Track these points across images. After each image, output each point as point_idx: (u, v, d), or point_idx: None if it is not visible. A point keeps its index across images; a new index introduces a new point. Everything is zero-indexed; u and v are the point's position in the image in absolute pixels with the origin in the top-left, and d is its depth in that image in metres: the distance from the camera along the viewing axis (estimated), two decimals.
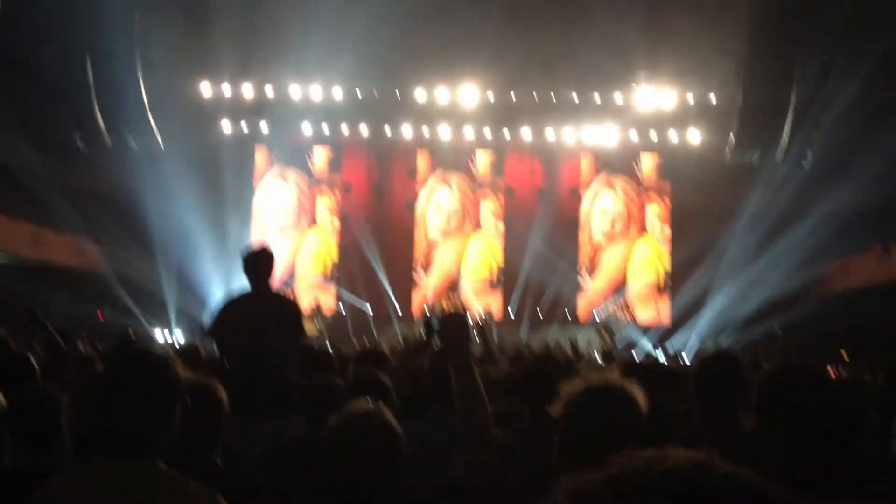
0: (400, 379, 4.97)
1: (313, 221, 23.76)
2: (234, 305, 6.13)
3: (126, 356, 2.74)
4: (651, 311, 22.83)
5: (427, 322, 3.20)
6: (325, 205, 23.82)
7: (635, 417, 2.55)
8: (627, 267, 23.22)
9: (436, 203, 23.73)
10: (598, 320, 20.71)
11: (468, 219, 23.63)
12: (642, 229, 23.38)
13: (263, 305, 6.01)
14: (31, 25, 18.53)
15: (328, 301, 22.72)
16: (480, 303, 22.41)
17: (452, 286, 22.73)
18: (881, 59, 17.66)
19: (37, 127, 18.01)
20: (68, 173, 18.52)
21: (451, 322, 3.09)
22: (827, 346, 14.47)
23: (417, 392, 4.65)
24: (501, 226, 23.47)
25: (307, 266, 23.60)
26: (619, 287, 23.06)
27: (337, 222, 23.68)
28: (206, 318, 6.22)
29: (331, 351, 11.28)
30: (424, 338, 3.44)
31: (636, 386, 2.61)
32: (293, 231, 23.72)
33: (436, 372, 4.00)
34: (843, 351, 14.40)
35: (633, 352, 18.05)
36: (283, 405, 4.71)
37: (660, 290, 22.95)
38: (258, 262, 6.10)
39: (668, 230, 23.15)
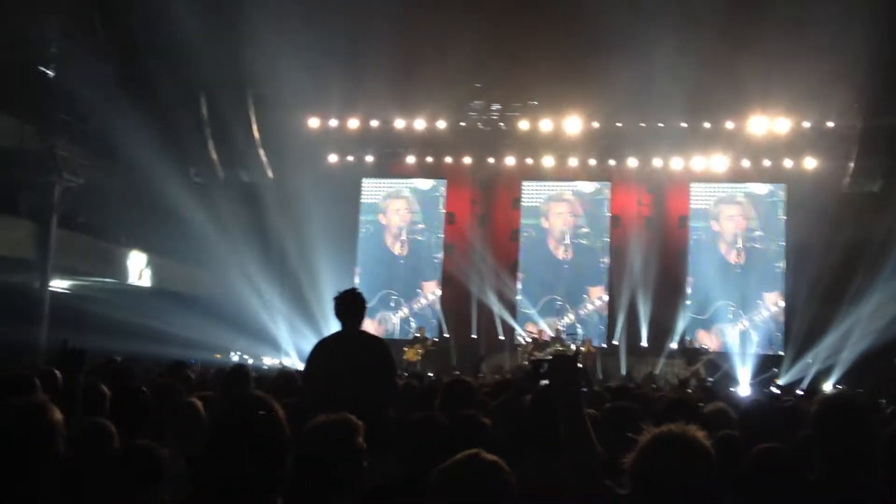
0: (499, 419, 4.83)
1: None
2: (323, 348, 6.28)
3: (240, 411, 2.80)
4: (764, 341, 21.99)
5: (535, 364, 3.14)
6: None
7: (705, 466, 2.56)
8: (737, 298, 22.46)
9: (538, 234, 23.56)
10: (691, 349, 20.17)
11: (572, 247, 23.34)
12: (756, 259, 22.60)
13: (352, 346, 6.13)
14: (151, 64, 19.37)
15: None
16: (584, 333, 22.04)
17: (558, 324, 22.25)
18: None
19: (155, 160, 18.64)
20: (184, 206, 19.14)
21: (560, 364, 3.03)
22: None
23: (515, 434, 4.48)
24: (607, 256, 23.08)
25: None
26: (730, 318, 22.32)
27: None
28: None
29: (423, 380, 11.35)
30: (531, 379, 3.36)
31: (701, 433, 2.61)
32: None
33: (539, 414, 3.83)
34: None
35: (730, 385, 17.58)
36: (373, 444, 4.68)
37: (774, 320, 22.12)
38: (348, 305, 6.27)
39: (783, 261, 22.32)
